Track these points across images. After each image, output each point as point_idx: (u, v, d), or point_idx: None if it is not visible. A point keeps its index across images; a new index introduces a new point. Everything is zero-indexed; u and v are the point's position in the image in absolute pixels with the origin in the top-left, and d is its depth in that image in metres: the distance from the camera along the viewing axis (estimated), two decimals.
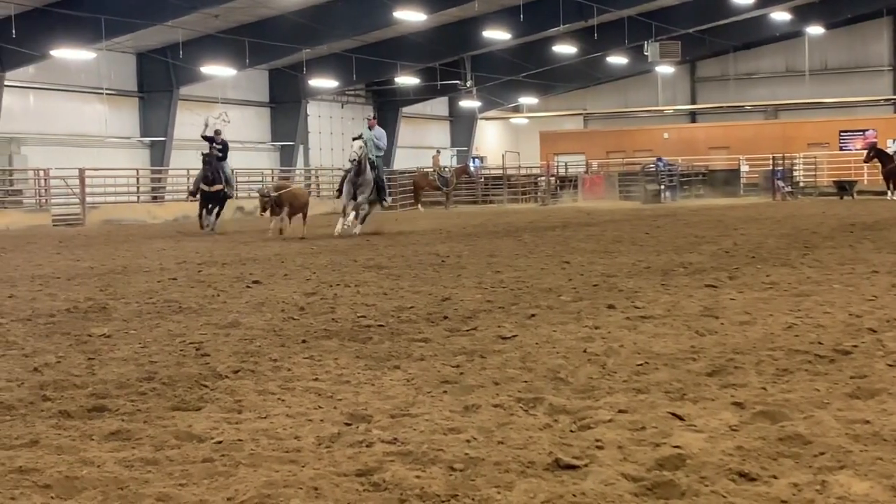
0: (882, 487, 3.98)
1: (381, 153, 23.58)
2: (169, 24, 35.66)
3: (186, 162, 41.36)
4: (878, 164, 40.10)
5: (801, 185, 47.29)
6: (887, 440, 4.63)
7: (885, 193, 38.99)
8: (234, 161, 45.35)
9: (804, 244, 16.52)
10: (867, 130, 47.28)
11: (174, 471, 4.50)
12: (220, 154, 25.79)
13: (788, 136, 53.65)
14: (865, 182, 45.12)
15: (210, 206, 25.27)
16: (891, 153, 39.36)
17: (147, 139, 41.29)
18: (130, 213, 35.16)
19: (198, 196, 25.53)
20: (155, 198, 39.86)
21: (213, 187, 24.91)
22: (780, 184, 43.70)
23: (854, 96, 54.26)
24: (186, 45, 38.13)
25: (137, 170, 40.20)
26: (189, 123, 41.78)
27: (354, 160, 22.42)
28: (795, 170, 48.57)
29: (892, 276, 11.17)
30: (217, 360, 7.05)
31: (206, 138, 26.17)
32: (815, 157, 50.76)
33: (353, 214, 22.21)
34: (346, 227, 22.01)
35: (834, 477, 4.11)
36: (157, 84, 40.57)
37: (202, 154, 25.98)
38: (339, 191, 23.12)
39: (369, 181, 22.55)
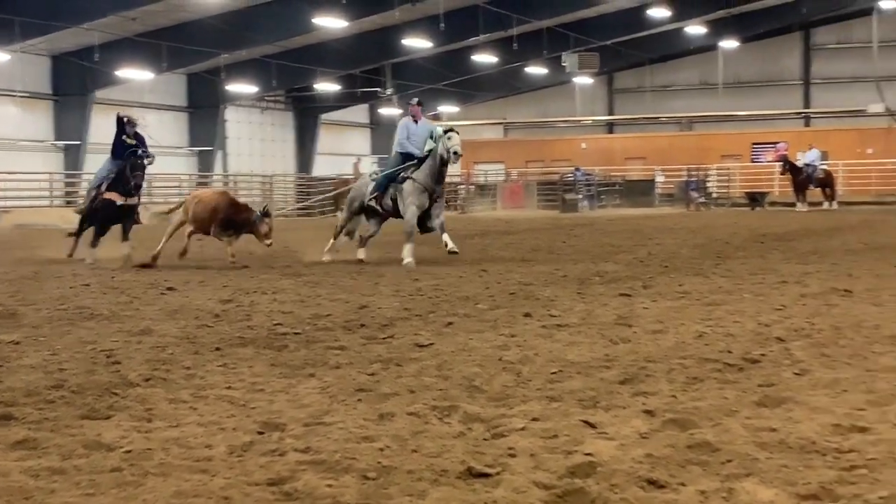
0: (787, 494, 4.03)
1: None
2: (85, 26, 35.16)
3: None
4: (790, 176, 40.80)
5: (715, 195, 48.05)
6: (792, 448, 4.70)
7: (794, 205, 39.70)
8: (151, 166, 45.04)
9: (716, 254, 16.75)
10: (779, 143, 48.16)
11: (81, 480, 4.41)
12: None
13: (703, 147, 54.38)
14: (777, 193, 45.93)
15: (124, 224, 17.36)
16: (800, 166, 40.08)
17: (61, 143, 40.62)
18: (44, 218, 34.53)
19: (91, 209, 17.80)
20: (69, 202, 39.20)
21: (129, 200, 17.33)
22: (695, 194, 44.32)
23: (766, 109, 55.21)
24: (103, 47, 37.60)
25: (51, 174, 39.58)
26: (105, 127, 41.28)
27: (457, 152, 15.77)
28: (709, 181, 49.32)
29: (801, 286, 11.36)
30: (128, 368, 6.93)
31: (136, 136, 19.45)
32: (728, 169, 51.65)
33: (409, 247, 15.62)
34: (409, 260, 15.42)
35: (740, 484, 4.16)
36: (72, 87, 39.98)
37: (134, 155, 18.09)
38: (380, 203, 16.21)
39: (443, 192, 16.74)
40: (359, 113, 57.27)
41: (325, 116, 53.27)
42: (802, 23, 54.89)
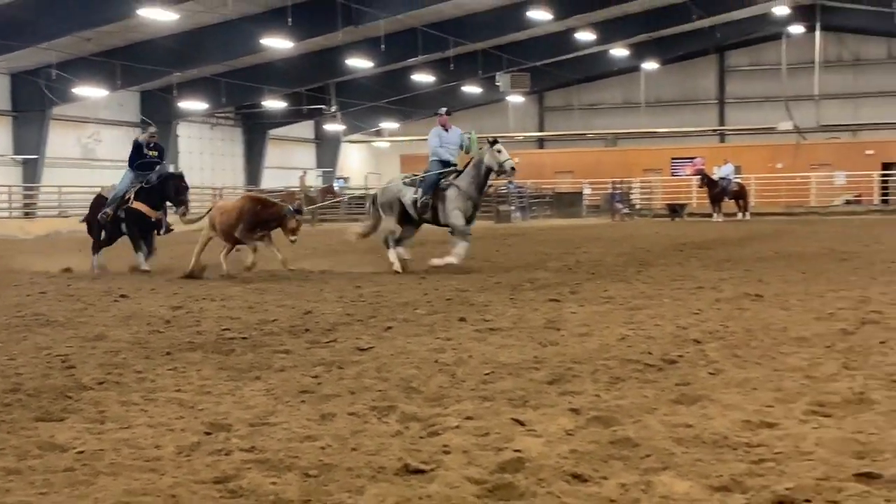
0: (700, 487, 4.08)
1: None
2: (43, 46, 34.67)
3: (59, 179, 40.42)
4: (706, 188, 41.26)
5: (638, 207, 48.47)
6: (706, 442, 4.74)
7: (711, 216, 40.16)
8: (106, 179, 44.66)
9: (639, 262, 16.85)
10: (696, 158, 48.72)
11: (36, 480, 4.35)
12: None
13: (626, 162, 54.89)
14: (695, 205, 46.43)
15: (146, 239, 16.34)
16: (716, 179, 40.57)
17: (20, 157, 40.03)
18: (2, 229, 34.00)
19: (117, 218, 16.33)
20: (27, 214, 38.70)
21: (156, 214, 16.33)
22: (619, 206, 44.69)
23: (685, 127, 55.86)
24: (60, 66, 37.21)
25: (10, 186, 39.02)
26: (61, 142, 40.91)
27: (513, 167, 15.68)
28: (633, 193, 49.77)
29: (716, 292, 11.45)
30: (82, 372, 6.84)
31: (156, 147, 17.32)
32: (650, 182, 52.15)
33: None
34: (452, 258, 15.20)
35: (658, 477, 4.19)
36: (30, 103, 39.40)
37: (156, 164, 16.81)
38: (428, 209, 15.49)
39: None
40: (304, 129, 57.04)
41: (272, 132, 52.98)
42: (717, 46, 55.65)
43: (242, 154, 52.70)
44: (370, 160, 62.11)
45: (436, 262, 15.23)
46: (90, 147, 43.81)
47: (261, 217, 14.86)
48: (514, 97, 55.00)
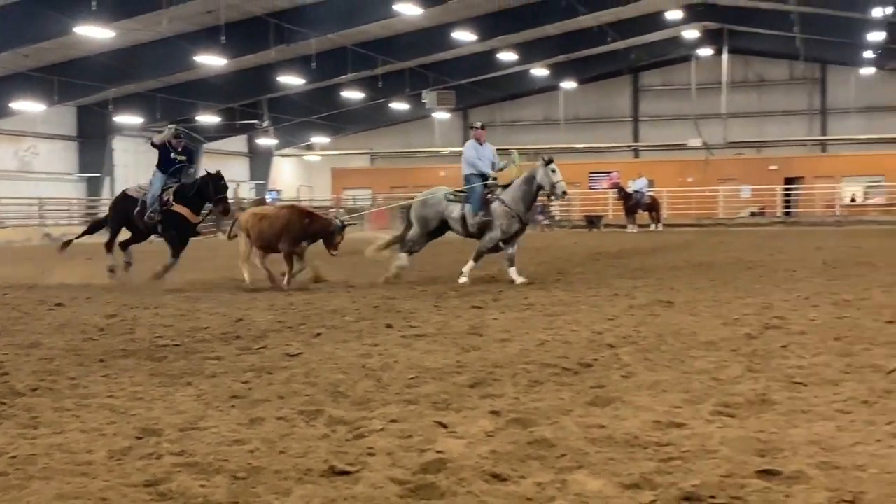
0: (612, 484, 4.10)
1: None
2: None
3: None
4: (622, 201, 41.80)
5: (558, 218, 48.76)
6: (619, 442, 4.77)
7: (626, 227, 40.59)
8: (42, 191, 43.93)
9: (558, 271, 16.97)
10: (612, 172, 49.35)
11: None
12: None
13: None
14: (611, 217, 46.88)
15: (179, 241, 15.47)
16: (630, 192, 41.06)
17: None
18: None
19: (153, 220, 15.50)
20: None
21: (197, 218, 15.67)
22: (540, 217, 44.90)
23: (601, 143, 56.41)
24: None
25: None
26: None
27: (565, 192, 15.22)
28: (553, 205, 49.99)
29: (630, 299, 11.55)
30: (16, 379, 6.68)
31: (184, 150, 16.18)
32: (569, 195, 52.36)
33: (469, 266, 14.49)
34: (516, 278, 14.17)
35: (572, 476, 4.21)
36: None
37: (186, 168, 16.21)
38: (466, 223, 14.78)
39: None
40: (238, 142, 56.54)
41: (206, 146, 52.40)
42: (632, 67, 56.34)
43: None
44: (302, 173, 61.76)
45: (517, 279, 14.13)
46: (27, 160, 43.00)
47: (308, 230, 13.98)
48: (440, 113, 55.13)
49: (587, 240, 31.79)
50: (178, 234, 15.40)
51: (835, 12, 42.52)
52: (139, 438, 5.04)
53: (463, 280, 14.18)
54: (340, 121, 54.56)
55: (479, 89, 53.45)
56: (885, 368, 6.53)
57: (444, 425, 5.17)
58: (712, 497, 3.87)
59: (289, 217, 14.09)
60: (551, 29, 45.71)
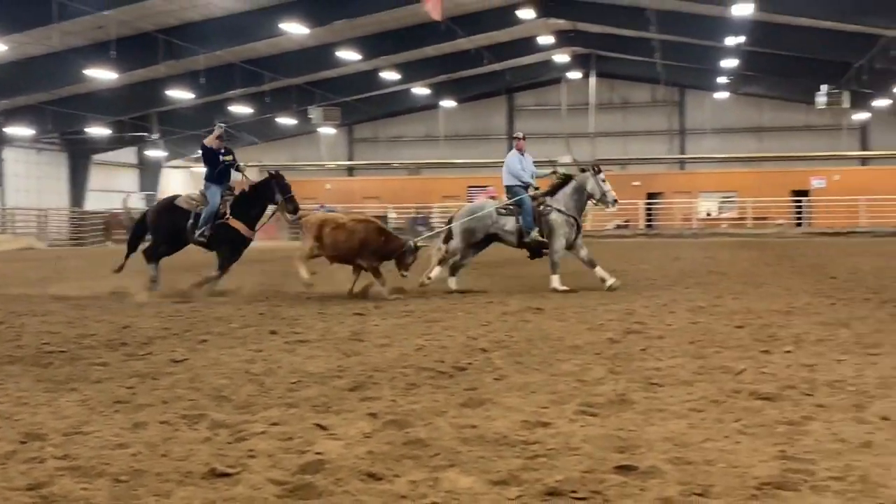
0: (482, 481, 4.11)
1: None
2: None
3: None
4: None
5: (437, 230, 48.96)
6: (489, 441, 4.79)
7: None
8: None
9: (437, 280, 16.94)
10: (488, 186, 49.90)
11: None
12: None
13: (427, 189, 55.56)
14: None
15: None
16: None
17: None
18: None
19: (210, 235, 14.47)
20: None
21: (251, 233, 14.75)
22: (421, 229, 45.05)
23: (479, 158, 56.83)
24: None
25: None
26: None
27: (615, 200, 14.73)
28: (432, 217, 50.29)
29: (503, 306, 11.64)
30: None
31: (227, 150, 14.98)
32: (448, 208, 52.82)
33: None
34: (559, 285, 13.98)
35: (445, 474, 4.21)
36: None
37: (233, 168, 14.87)
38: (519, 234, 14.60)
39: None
40: (128, 154, 55.16)
41: (96, 157, 51.06)
42: (507, 88, 57.02)
43: (67, 178, 50.46)
44: (191, 184, 60.63)
45: (608, 280, 14.00)
46: None
47: (384, 249, 13.48)
48: (325, 129, 54.76)
49: None
50: (232, 249, 14.38)
51: (692, 40, 43.77)
52: (23, 443, 4.86)
53: (562, 288, 13.82)
54: (229, 134, 53.81)
55: (363, 106, 53.38)
56: (734, 370, 6.73)
57: (323, 427, 5.12)
58: (573, 492, 3.91)
59: (366, 234, 13.48)
60: (431, 50, 45.96)
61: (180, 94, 42.43)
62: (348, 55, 40.92)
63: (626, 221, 50.73)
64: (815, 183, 53.09)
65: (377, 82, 48.32)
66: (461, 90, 55.09)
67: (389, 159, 58.37)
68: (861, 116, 52.68)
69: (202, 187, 14.82)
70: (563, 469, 4.25)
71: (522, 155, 15.29)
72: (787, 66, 45.33)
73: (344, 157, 60.62)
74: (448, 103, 56.16)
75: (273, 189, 14.49)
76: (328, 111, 49.27)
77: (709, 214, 53.02)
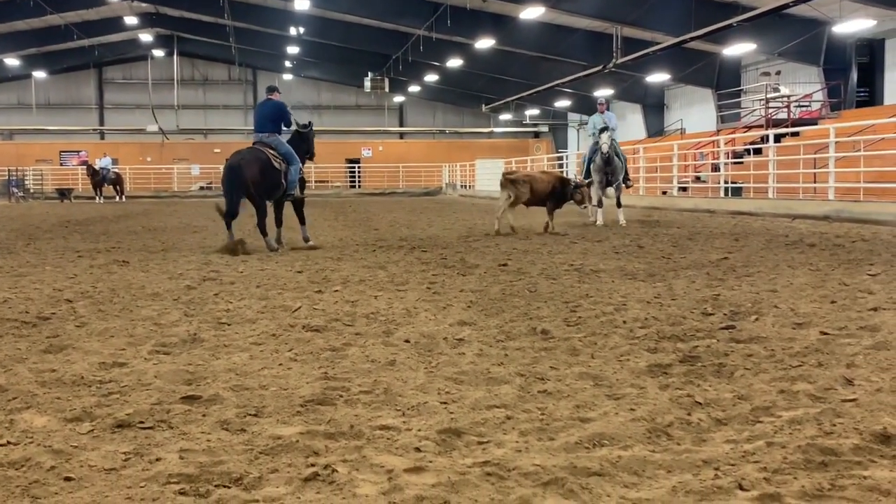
0: (57, 420, 3.80)
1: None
2: None
3: None
4: (90, 176, 40.03)
5: (32, 191, 44.75)
6: (66, 383, 4.44)
7: (94, 198, 38.56)
8: None
9: (28, 237, 15.48)
10: (81, 151, 46.54)
11: None
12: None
13: (21, 153, 50.89)
14: (80, 189, 44.09)
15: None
16: (97, 168, 39.25)
17: None
18: None
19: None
20: None
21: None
22: (15, 190, 40.82)
23: (71, 126, 52.84)
24: None
25: None
26: None
27: (606, 153, 16.48)
28: (27, 179, 45.83)
29: (91, 260, 10.84)
30: None
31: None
32: (42, 170, 48.59)
33: (599, 211, 16.52)
34: (595, 219, 16.45)
35: (21, 416, 3.84)
36: None
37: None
38: (587, 178, 16.46)
39: (618, 167, 16.83)
40: None
41: None
42: (97, 62, 53.08)
43: None
44: None
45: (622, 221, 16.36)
46: None
47: (564, 192, 14.84)
48: None
49: (58, 210, 29.45)
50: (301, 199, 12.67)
51: (261, 28, 43.54)
52: None
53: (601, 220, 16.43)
54: None
55: None
56: (291, 308, 6.82)
57: None
58: (141, 422, 3.73)
59: (555, 182, 14.90)
60: (22, 24, 41.50)
61: None
62: None
63: (209, 183, 49.60)
64: (365, 152, 55.68)
65: None
66: (53, 62, 50.38)
67: None
68: (399, 99, 55.83)
69: None
70: (133, 403, 4.03)
71: (600, 115, 17.22)
72: (340, 54, 46.68)
73: None
74: (40, 74, 51.10)
75: (312, 141, 13.05)
76: None
77: None
